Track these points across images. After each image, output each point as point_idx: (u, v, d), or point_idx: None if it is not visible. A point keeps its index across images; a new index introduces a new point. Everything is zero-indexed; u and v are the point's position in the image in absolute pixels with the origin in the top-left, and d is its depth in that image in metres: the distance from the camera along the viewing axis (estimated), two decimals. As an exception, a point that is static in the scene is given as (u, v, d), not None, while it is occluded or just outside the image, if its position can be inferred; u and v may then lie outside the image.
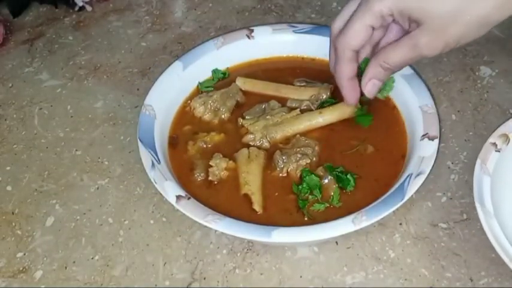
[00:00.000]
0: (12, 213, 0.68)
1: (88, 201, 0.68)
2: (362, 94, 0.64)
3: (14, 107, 0.80)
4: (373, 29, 0.58)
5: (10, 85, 0.83)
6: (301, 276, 0.60)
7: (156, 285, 0.60)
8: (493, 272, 0.59)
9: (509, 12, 0.53)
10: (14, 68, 0.85)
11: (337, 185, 0.62)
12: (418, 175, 0.59)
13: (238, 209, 0.61)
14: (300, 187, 0.62)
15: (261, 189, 0.63)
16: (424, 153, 0.62)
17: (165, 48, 0.86)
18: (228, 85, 0.74)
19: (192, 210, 0.58)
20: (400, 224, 0.64)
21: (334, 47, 0.62)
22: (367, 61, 0.62)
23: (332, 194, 0.62)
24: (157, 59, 0.85)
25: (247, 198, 0.62)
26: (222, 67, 0.76)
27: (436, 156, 0.61)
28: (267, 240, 0.56)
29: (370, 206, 0.58)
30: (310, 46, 0.76)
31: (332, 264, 0.61)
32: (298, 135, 0.67)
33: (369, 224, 0.56)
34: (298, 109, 0.70)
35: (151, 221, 0.66)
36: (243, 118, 0.70)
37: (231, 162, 0.65)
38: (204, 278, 0.60)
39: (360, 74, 0.63)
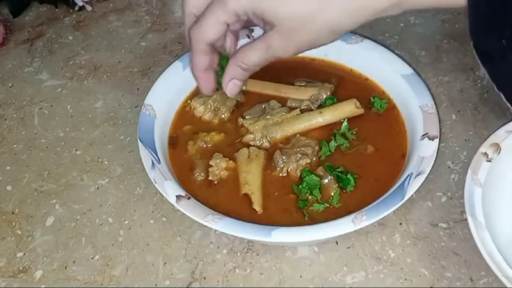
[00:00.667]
0: (12, 213, 0.68)
1: (88, 201, 0.68)
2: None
3: (14, 106, 0.80)
4: (228, 24, 0.58)
5: (10, 85, 0.83)
6: (301, 276, 0.60)
7: (156, 285, 0.60)
8: (493, 272, 0.59)
9: (359, 20, 0.54)
10: (14, 68, 0.85)
11: (337, 185, 0.62)
12: (418, 175, 0.59)
13: (238, 208, 0.61)
14: (300, 187, 0.62)
15: (261, 189, 0.63)
16: (424, 153, 0.62)
17: (165, 48, 0.86)
18: (228, 85, 0.73)
19: (192, 210, 0.58)
20: (400, 223, 0.64)
21: (188, 35, 0.61)
22: (226, 59, 0.63)
23: (332, 194, 0.62)
24: (157, 58, 0.85)
25: (247, 198, 0.62)
26: (222, 67, 0.76)
27: (436, 156, 0.61)
28: (267, 240, 0.56)
29: (370, 206, 0.58)
30: (310, 46, 0.76)
31: (332, 264, 0.61)
32: (298, 135, 0.67)
33: (369, 224, 0.56)
34: (298, 109, 0.70)
35: (152, 221, 0.66)
36: (243, 118, 0.70)
37: (231, 162, 0.65)
38: (204, 278, 0.60)
39: (220, 70, 0.64)
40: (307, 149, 0.65)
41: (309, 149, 0.65)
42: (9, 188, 0.70)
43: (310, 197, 0.62)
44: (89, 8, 0.93)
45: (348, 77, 0.74)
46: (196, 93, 0.73)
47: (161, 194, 0.60)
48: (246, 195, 0.62)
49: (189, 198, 0.60)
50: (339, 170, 0.63)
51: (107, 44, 0.88)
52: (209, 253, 0.62)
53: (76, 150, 0.74)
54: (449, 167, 0.68)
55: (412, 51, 0.82)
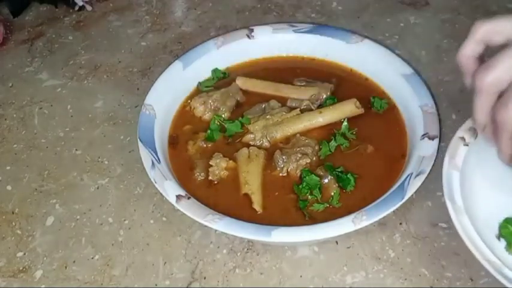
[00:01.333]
0: (12, 213, 0.68)
1: (88, 201, 0.68)
2: None
3: (14, 106, 0.80)
4: None
5: (10, 85, 0.83)
6: (301, 276, 0.60)
7: (156, 284, 0.60)
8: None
9: None
10: (14, 68, 0.85)
11: (337, 184, 0.62)
12: (418, 175, 0.59)
13: (238, 208, 0.61)
14: (300, 187, 0.62)
15: (261, 188, 0.63)
16: (424, 152, 0.62)
17: (165, 47, 0.86)
18: (228, 85, 0.74)
19: (192, 210, 0.58)
20: (400, 223, 0.64)
21: (492, 118, 0.53)
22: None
23: (332, 194, 0.62)
24: (157, 58, 0.85)
25: (247, 197, 0.62)
26: (222, 67, 0.76)
27: (436, 156, 0.61)
28: (267, 240, 0.56)
29: (370, 205, 0.58)
30: (310, 46, 0.76)
31: (332, 263, 0.61)
32: (298, 135, 0.67)
33: (369, 224, 0.56)
34: (298, 109, 0.70)
35: (152, 221, 0.66)
36: (243, 118, 0.70)
37: (231, 161, 0.65)
38: (204, 278, 0.60)
39: None
40: (307, 148, 0.65)
41: (309, 148, 0.65)
42: (9, 187, 0.70)
43: (310, 197, 0.62)
44: (89, 8, 0.93)
45: (348, 77, 0.75)
46: (196, 93, 0.74)
47: (161, 193, 0.60)
48: (246, 195, 0.62)
49: (189, 198, 0.60)
50: (339, 169, 0.63)
51: (107, 44, 0.88)
52: (209, 253, 0.62)
53: (76, 150, 0.74)
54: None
55: (412, 51, 0.82)
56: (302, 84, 0.73)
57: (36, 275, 0.62)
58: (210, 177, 0.64)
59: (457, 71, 0.56)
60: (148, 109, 0.68)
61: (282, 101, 0.72)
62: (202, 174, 0.65)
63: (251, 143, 0.67)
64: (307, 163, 0.64)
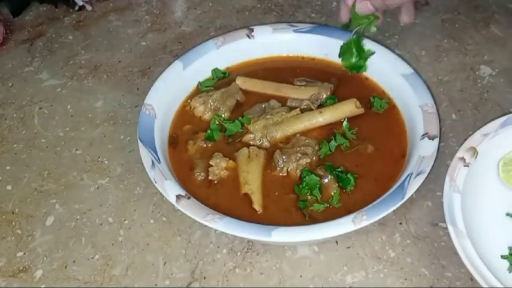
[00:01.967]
0: (12, 213, 0.68)
1: (88, 201, 0.68)
2: None
3: (14, 106, 0.80)
4: None
5: (10, 84, 0.83)
6: (301, 276, 0.60)
7: (156, 284, 0.60)
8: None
9: None
10: (14, 68, 0.85)
11: (337, 184, 0.62)
12: (418, 174, 0.59)
13: (238, 208, 0.61)
14: (300, 187, 0.62)
15: (261, 188, 0.63)
16: (424, 152, 0.62)
17: (165, 47, 0.86)
18: (228, 84, 0.74)
19: (192, 210, 0.58)
20: (400, 223, 0.64)
21: None
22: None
23: (332, 193, 0.62)
24: (157, 58, 0.85)
25: (247, 197, 0.62)
26: (222, 66, 0.76)
27: (436, 156, 0.61)
28: (267, 240, 0.56)
29: (370, 205, 0.58)
30: (310, 45, 0.76)
31: (332, 263, 0.61)
32: (298, 135, 0.67)
33: (369, 224, 0.56)
34: (298, 108, 0.70)
35: (152, 221, 0.66)
36: (243, 117, 0.70)
37: (231, 161, 0.65)
38: (204, 278, 0.60)
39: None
40: (307, 148, 0.65)
41: (309, 148, 0.65)
42: (9, 187, 0.70)
43: (310, 196, 0.62)
44: (89, 7, 0.93)
45: (348, 77, 0.74)
46: (196, 93, 0.74)
47: (161, 193, 0.60)
48: (246, 194, 0.62)
49: (189, 197, 0.60)
50: (339, 169, 0.63)
51: (107, 44, 0.88)
52: (209, 253, 0.62)
53: (76, 150, 0.74)
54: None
55: (412, 51, 0.82)
56: (302, 84, 0.73)
57: (36, 275, 0.62)
58: (210, 177, 0.64)
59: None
60: (148, 109, 0.68)
61: (282, 100, 0.72)
62: (202, 174, 0.65)
63: (251, 142, 0.67)
64: (307, 163, 0.64)
